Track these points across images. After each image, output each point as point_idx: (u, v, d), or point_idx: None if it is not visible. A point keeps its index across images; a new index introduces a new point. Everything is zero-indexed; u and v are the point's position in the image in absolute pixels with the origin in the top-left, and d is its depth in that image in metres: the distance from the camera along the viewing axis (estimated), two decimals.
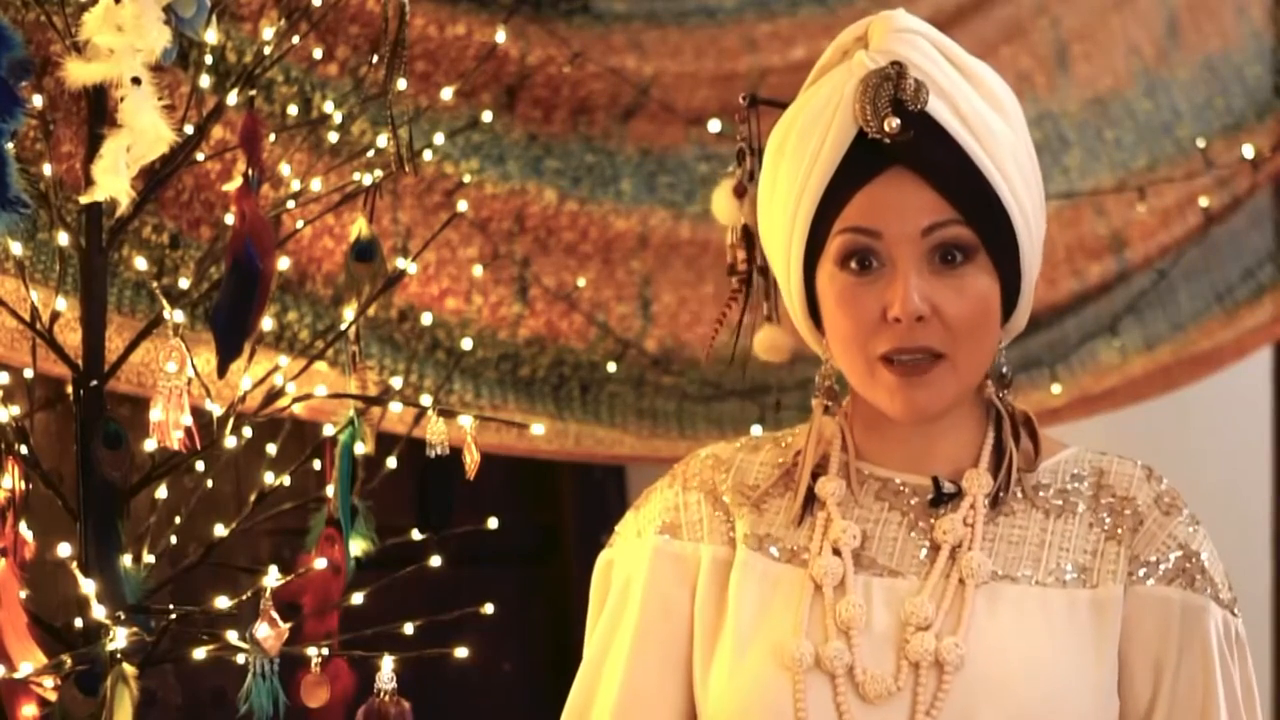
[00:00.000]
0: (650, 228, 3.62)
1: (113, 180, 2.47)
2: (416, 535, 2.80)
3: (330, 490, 2.71)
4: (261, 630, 2.48)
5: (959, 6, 3.76)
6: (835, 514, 2.10)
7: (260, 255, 2.58)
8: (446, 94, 3.21)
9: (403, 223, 3.40)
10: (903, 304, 2.02)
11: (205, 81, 2.80)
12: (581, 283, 3.56)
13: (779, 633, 2.06)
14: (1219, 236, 3.97)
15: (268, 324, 2.90)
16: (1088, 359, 3.91)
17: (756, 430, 3.12)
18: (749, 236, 2.21)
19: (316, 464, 2.82)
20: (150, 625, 2.63)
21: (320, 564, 2.70)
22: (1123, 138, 3.95)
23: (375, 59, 2.73)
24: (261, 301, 2.60)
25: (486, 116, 3.39)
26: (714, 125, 3.56)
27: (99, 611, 2.59)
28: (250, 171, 2.59)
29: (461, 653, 2.75)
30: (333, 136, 3.07)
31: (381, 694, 2.59)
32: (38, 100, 2.64)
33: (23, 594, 2.60)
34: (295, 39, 2.92)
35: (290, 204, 2.86)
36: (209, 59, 2.82)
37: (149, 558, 2.78)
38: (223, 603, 2.57)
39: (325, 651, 2.65)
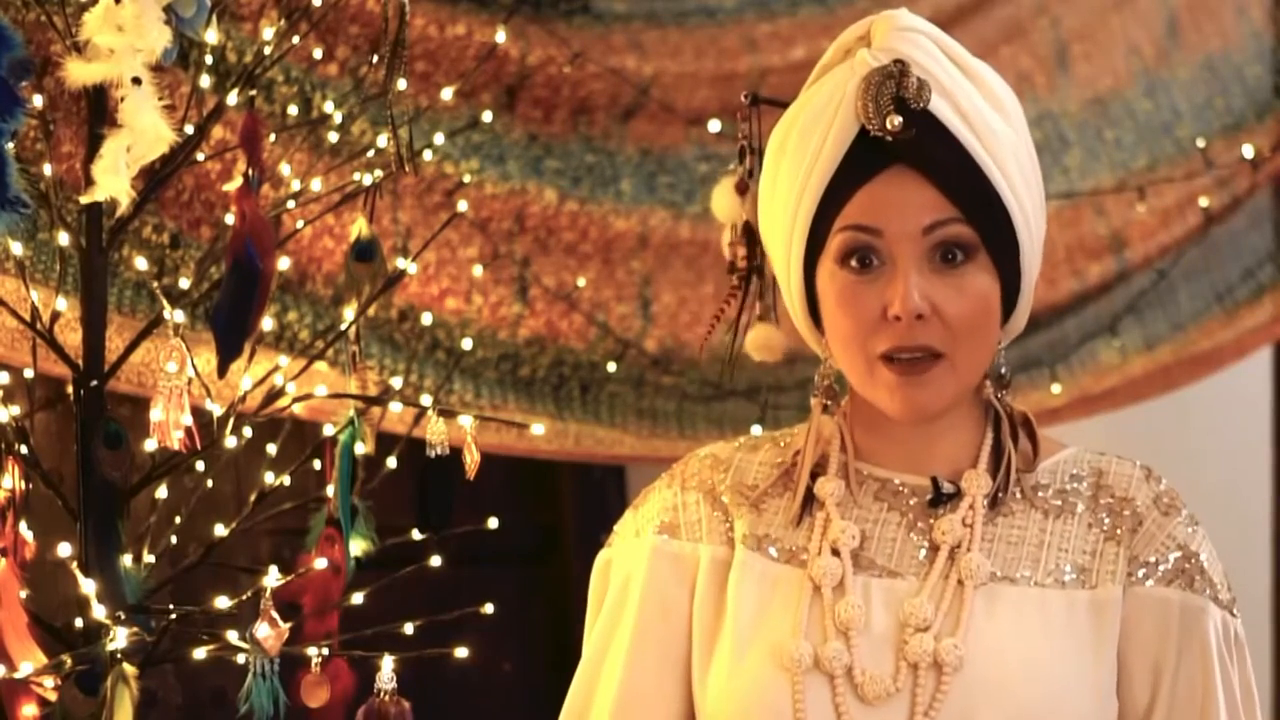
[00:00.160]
0: (650, 228, 3.62)
1: (113, 180, 2.47)
2: (416, 535, 2.80)
3: (330, 490, 2.71)
4: (261, 630, 2.49)
5: (959, 6, 3.76)
6: (834, 514, 2.10)
7: (260, 255, 2.58)
8: (446, 94, 3.21)
9: (403, 223, 3.40)
10: (903, 302, 2.02)
11: (205, 81, 2.80)
12: (581, 283, 3.56)
13: (778, 633, 2.06)
14: (1219, 236, 3.97)
15: (268, 324, 2.90)
16: (1088, 359, 3.91)
17: (756, 430, 3.11)
18: (749, 235, 2.21)
19: (316, 464, 2.82)
20: (150, 625, 2.63)
21: (320, 564, 2.70)
22: (1123, 138, 3.95)
23: (375, 59, 2.73)
24: (261, 301, 2.60)
25: (486, 116, 3.39)
26: (714, 125, 3.56)
27: (99, 611, 2.59)
28: (250, 171, 2.59)
29: (461, 653, 2.75)
30: (333, 136, 3.07)
31: (381, 694, 2.59)
32: (38, 100, 2.64)
33: (23, 594, 2.60)
34: (295, 39, 2.92)
35: (290, 204, 2.86)
36: (209, 59, 2.82)
37: (149, 558, 2.78)
38: (223, 603, 2.57)
39: (325, 651, 2.65)
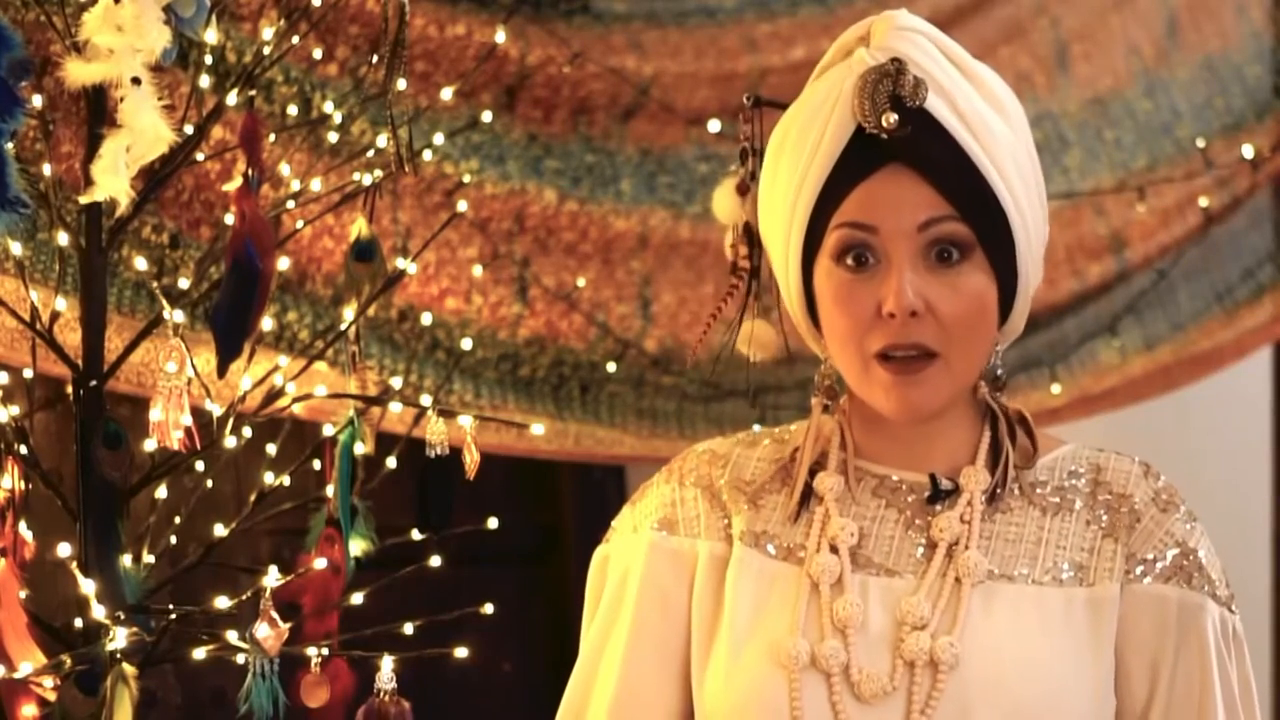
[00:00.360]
0: (650, 228, 3.62)
1: (112, 180, 2.47)
2: (416, 535, 2.80)
3: (330, 490, 2.71)
4: (261, 630, 2.48)
5: (958, 6, 3.76)
6: (833, 510, 2.10)
7: (260, 255, 2.58)
8: (446, 94, 3.21)
9: (403, 223, 3.40)
10: (897, 299, 2.02)
11: (205, 81, 2.80)
12: (581, 283, 3.56)
13: (775, 631, 2.06)
14: (1219, 236, 3.97)
15: (268, 324, 2.90)
16: (1087, 359, 3.91)
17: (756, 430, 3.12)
18: (750, 235, 2.21)
19: (316, 464, 2.82)
20: (150, 625, 2.63)
21: (320, 564, 2.70)
22: (1123, 138, 3.95)
23: (375, 59, 2.73)
24: (261, 301, 2.60)
25: (486, 116, 3.39)
26: (714, 125, 3.56)
27: (99, 611, 2.59)
28: (250, 171, 2.58)
29: (461, 653, 2.75)
30: (333, 136, 3.07)
31: (381, 694, 2.59)
32: (38, 100, 2.64)
33: (23, 594, 2.60)
34: (295, 39, 2.92)
35: (290, 204, 2.85)
36: (209, 59, 2.82)
37: (149, 558, 2.78)
38: (223, 603, 2.56)
39: (325, 651, 2.65)
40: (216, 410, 2.73)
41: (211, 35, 2.64)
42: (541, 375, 3.56)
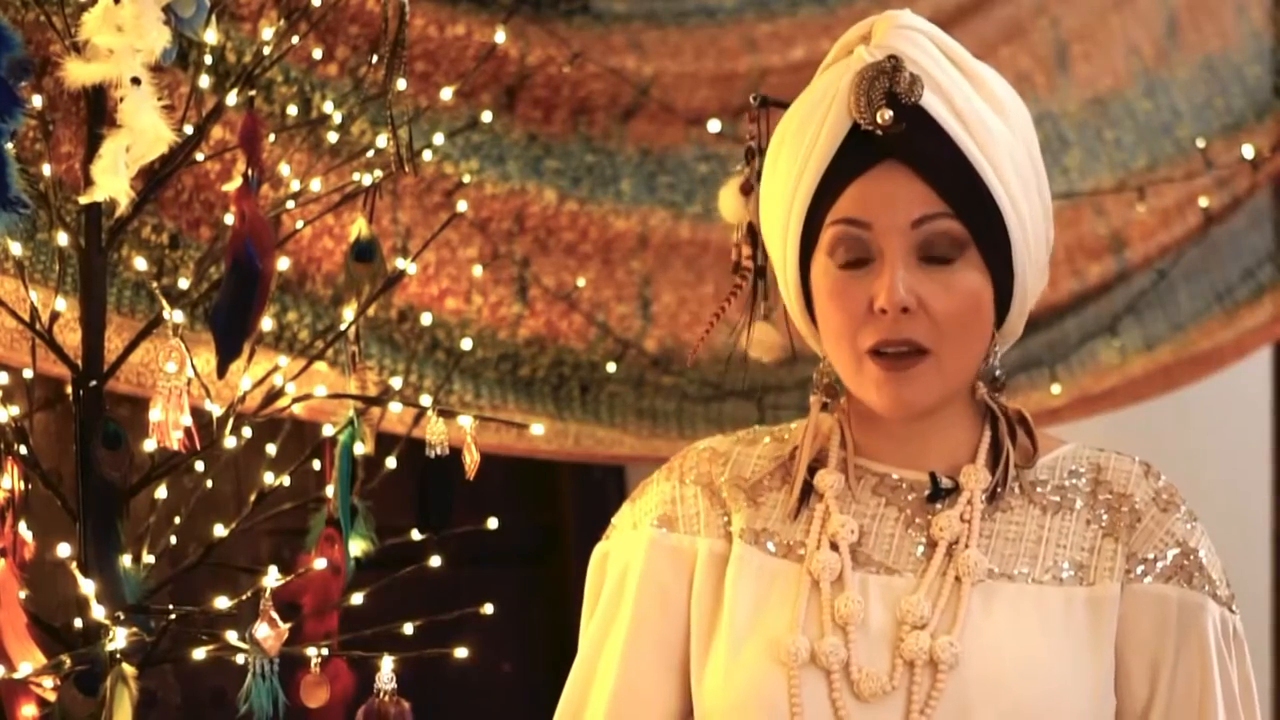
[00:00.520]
0: (650, 228, 3.62)
1: (112, 180, 2.47)
2: (416, 535, 2.80)
3: (330, 490, 2.71)
4: (261, 630, 2.48)
5: (959, 6, 3.76)
6: (834, 507, 2.11)
7: (260, 255, 2.58)
8: (446, 94, 3.21)
9: (403, 223, 3.40)
10: (888, 294, 2.02)
11: (205, 81, 2.80)
12: (581, 283, 3.56)
13: (775, 628, 2.06)
14: (1219, 236, 3.97)
15: (267, 324, 2.90)
16: (1088, 359, 3.91)
17: None
18: (754, 235, 2.22)
19: (316, 464, 2.82)
20: (150, 625, 2.63)
21: (320, 564, 2.70)
22: (1123, 138, 3.95)
23: (375, 59, 2.73)
24: (261, 301, 2.60)
25: (486, 116, 3.39)
26: (714, 125, 3.56)
27: (99, 611, 2.59)
28: (250, 171, 2.59)
29: (461, 653, 2.75)
30: (332, 136, 3.07)
31: (381, 694, 2.59)
32: (37, 100, 2.64)
33: (23, 594, 2.60)
34: (295, 39, 2.92)
35: (290, 204, 2.85)
36: (209, 59, 2.82)
37: (149, 558, 2.78)
38: (223, 603, 2.57)
39: (325, 651, 2.65)
40: (216, 410, 2.73)
41: (211, 35, 2.64)
42: (541, 375, 3.57)
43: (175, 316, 2.60)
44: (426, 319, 3.34)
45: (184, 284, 2.85)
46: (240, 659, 2.53)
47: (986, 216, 2.05)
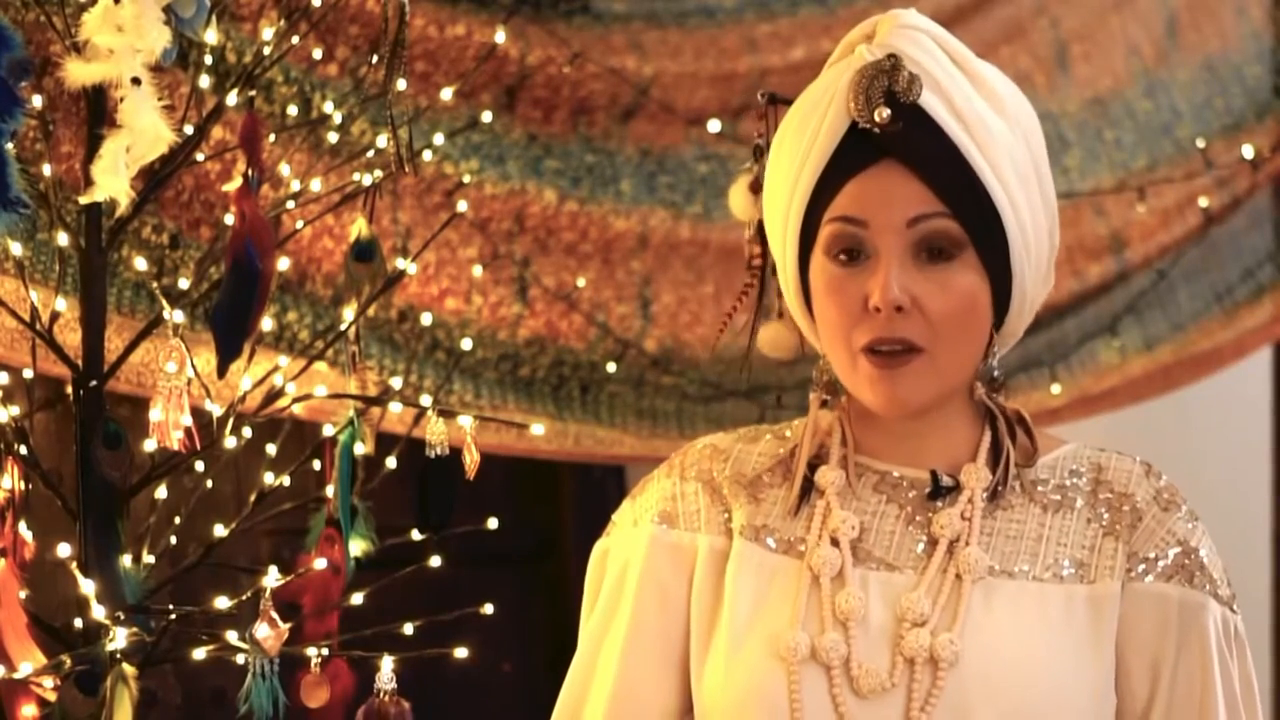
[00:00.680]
0: (650, 228, 3.62)
1: (112, 180, 2.47)
2: (416, 535, 2.80)
3: (330, 490, 2.71)
4: (261, 630, 2.48)
5: (959, 6, 3.76)
6: (834, 504, 2.11)
7: (260, 255, 2.58)
8: (446, 94, 3.21)
9: (403, 223, 3.40)
10: (882, 293, 2.02)
11: (205, 82, 2.80)
12: (581, 283, 3.56)
13: (775, 624, 2.06)
14: (1219, 236, 3.97)
15: (268, 324, 2.90)
16: (1087, 359, 3.91)
17: None
18: (764, 232, 2.22)
19: (316, 464, 2.82)
20: (150, 625, 2.63)
21: (320, 564, 2.70)
22: (1123, 138, 3.95)
23: (375, 59, 2.73)
24: (261, 301, 2.60)
25: (486, 116, 3.39)
26: (714, 125, 3.57)
27: (99, 611, 2.59)
28: (250, 171, 2.59)
29: (461, 653, 2.75)
30: (333, 136, 3.07)
31: (381, 694, 2.59)
32: (38, 100, 2.64)
33: (23, 594, 2.60)
34: (295, 39, 2.92)
35: (290, 204, 2.85)
36: (209, 59, 2.82)
37: (149, 558, 2.78)
38: (223, 603, 2.57)
39: (325, 651, 2.65)
40: (216, 410, 2.73)
41: (211, 35, 2.64)
42: (541, 375, 3.56)
43: (175, 316, 2.60)
44: (426, 319, 3.34)
45: (184, 284, 2.85)
46: (240, 659, 2.53)
47: (984, 217, 2.05)
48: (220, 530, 2.78)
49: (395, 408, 2.81)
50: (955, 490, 2.10)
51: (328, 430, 2.74)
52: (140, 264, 2.91)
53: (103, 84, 2.49)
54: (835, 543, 2.09)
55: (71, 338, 2.74)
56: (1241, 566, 2.33)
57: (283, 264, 2.78)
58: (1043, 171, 2.11)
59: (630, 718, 2.13)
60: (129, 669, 2.53)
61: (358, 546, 2.73)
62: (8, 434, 2.62)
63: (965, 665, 2.02)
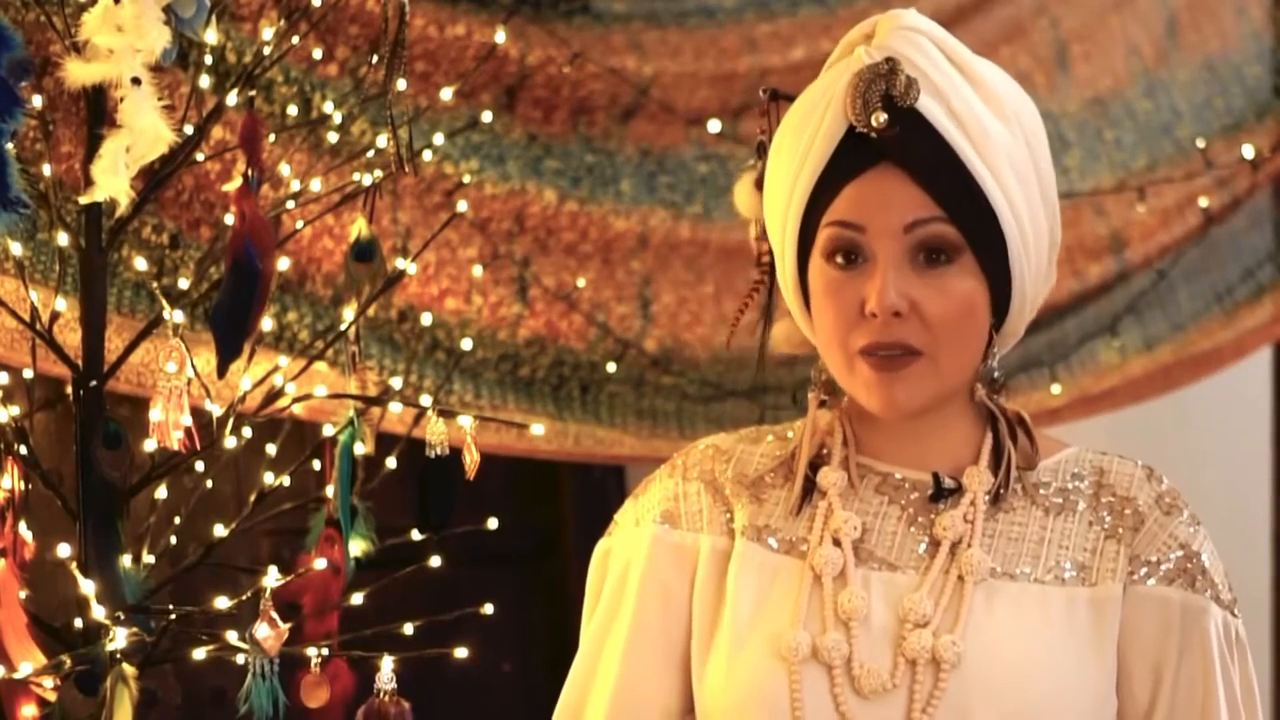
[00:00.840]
0: (650, 228, 3.62)
1: (112, 180, 2.47)
2: (416, 535, 2.80)
3: (330, 490, 2.71)
4: (261, 630, 2.48)
5: (959, 6, 3.76)
6: (836, 504, 2.11)
7: (260, 255, 2.58)
8: (446, 94, 3.21)
9: (403, 223, 3.40)
10: (879, 298, 2.02)
11: (205, 82, 2.80)
12: (581, 283, 3.56)
13: (777, 624, 2.06)
14: (1219, 236, 3.97)
15: (268, 324, 2.90)
16: (1088, 359, 3.91)
17: None
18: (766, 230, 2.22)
19: (316, 464, 2.82)
20: (150, 625, 2.63)
21: (320, 564, 2.70)
22: (1123, 138, 3.95)
23: (375, 59, 2.73)
24: (261, 301, 2.60)
25: (486, 116, 3.38)
26: (714, 125, 3.56)
27: (99, 612, 2.59)
28: (250, 171, 2.58)
29: (461, 653, 2.75)
30: (333, 136, 3.07)
31: (381, 694, 2.59)
32: (37, 100, 2.64)
33: (23, 594, 2.60)
34: (295, 39, 2.91)
35: (290, 204, 2.85)
36: (209, 59, 2.82)
37: (149, 558, 2.78)
38: (223, 603, 2.56)
39: (325, 651, 2.65)
40: (216, 410, 2.72)
41: (211, 35, 2.64)
42: (541, 375, 3.56)
43: (175, 316, 2.60)
44: (426, 319, 3.34)
45: (184, 284, 2.85)
46: (240, 659, 2.53)
47: (982, 221, 2.04)
48: (220, 530, 2.78)
49: (395, 408, 2.81)
50: (957, 492, 2.10)
51: (328, 430, 2.74)
52: (140, 264, 2.91)
53: (103, 84, 2.49)
54: (837, 543, 2.09)
55: (71, 338, 2.74)
56: (1241, 567, 2.33)
57: (283, 264, 2.78)
58: (1043, 169, 2.10)
59: (632, 718, 2.13)
60: (129, 669, 2.53)
61: (358, 546, 2.73)
62: (8, 434, 2.62)
63: (967, 667, 2.02)
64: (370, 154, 2.93)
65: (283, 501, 2.87)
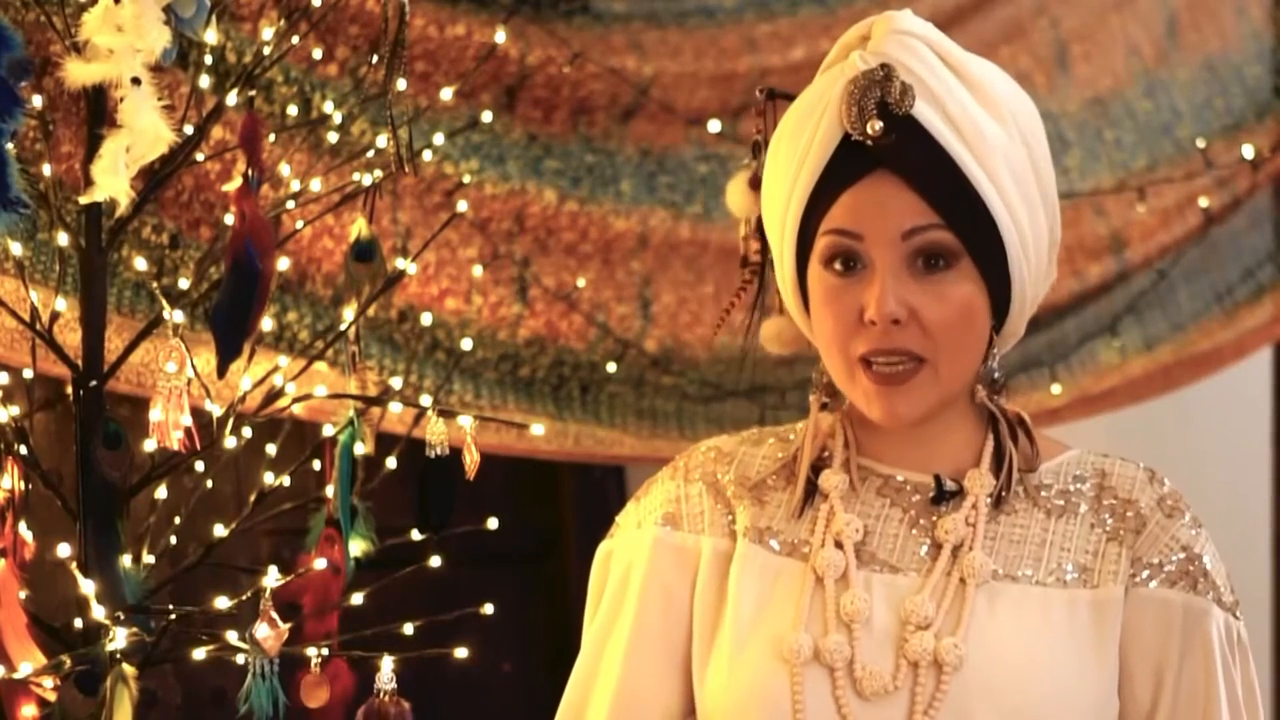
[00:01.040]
0: (650, 228, 3.62)
1: (112, 180, 2.47)
2: (416, 535, 2.80)
3: (330, 490, 2.71)
4: (261, 630, 2.48)
5: (959, 6, 3.76)
6: (838, 506, 2.11)
7: (260, 255, 2.57)
8: (446, 94, 3.20)
9: (403, 223, 3.40)
10: (878, 306, 2.02)
11: (205, 82, 2.80)
12: (581, 283, 3.56)
13: (779, 626, 2.06)
14: (1219, 236, 3.97)
15: (268, 324, 2.90)
16: (1088, 359, 3.91)
17: None
18: (762, 229, 2.21)
19: (316, 464, 2.82)
20: (150, 625, 2.63)
21: (320, 564, 2.70)
22: (1123, 138, 3.95)
23: (375, 59, 2.73)
24: (261, 301, 2.60)
25: (486, 116, 3.38)
26: (714, 125, 3.56)
27: (99, 612, 2.59)
28: (250, 171, 2.58)
29: (461, 653, 2.75)
30: (332, 136, 3.07)
31: (381, 694, 2.58)
32: (38, 100, 2.64)
33: (23, 594, 2.60)
34: (295, 39, 2.91)
35: (290, 204, 2.85)
36: (209, 59, 2.82)
37: (149, 558, 2.78)
38: (223, 603, 2.56)
39: (325, 651, 2.65)
40: (216, 410, 2.72)
41: (211, 35, 2.64)
42: (541, 375, 3.56)
43: (175, 316, 2.60)
44: (426, 319, 3.34)
45: (184, 284, 2.85)
46: (240, 659, 2.53)
47: (980, 226, 2.04)
48: (220, 530, 2.78)
49: (395, 408, 2.81)
50: (959, 495, 2.10)
51: (328, 430, 2.73)
52: (140, 264, 2.91)
53: (103, 84, 2.49)
54: (839, 545, 2.09)
55: (71, 338, 2.74)
56: (1242, 568, 2.33)
57: (283, 264, 2.78)
58: (1042, 168, 2.10)
59: (633, 719, 2.12)
60: (129, 669, 2.53)
61: (358, 546, 2.73)
62: (8, 434, 2.62)
63: (969, 669, 2.02)
64: (370, 154, 2.92)
65: (283, 501, 2.87)
